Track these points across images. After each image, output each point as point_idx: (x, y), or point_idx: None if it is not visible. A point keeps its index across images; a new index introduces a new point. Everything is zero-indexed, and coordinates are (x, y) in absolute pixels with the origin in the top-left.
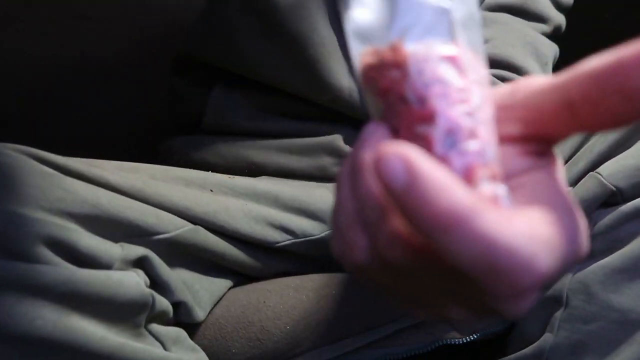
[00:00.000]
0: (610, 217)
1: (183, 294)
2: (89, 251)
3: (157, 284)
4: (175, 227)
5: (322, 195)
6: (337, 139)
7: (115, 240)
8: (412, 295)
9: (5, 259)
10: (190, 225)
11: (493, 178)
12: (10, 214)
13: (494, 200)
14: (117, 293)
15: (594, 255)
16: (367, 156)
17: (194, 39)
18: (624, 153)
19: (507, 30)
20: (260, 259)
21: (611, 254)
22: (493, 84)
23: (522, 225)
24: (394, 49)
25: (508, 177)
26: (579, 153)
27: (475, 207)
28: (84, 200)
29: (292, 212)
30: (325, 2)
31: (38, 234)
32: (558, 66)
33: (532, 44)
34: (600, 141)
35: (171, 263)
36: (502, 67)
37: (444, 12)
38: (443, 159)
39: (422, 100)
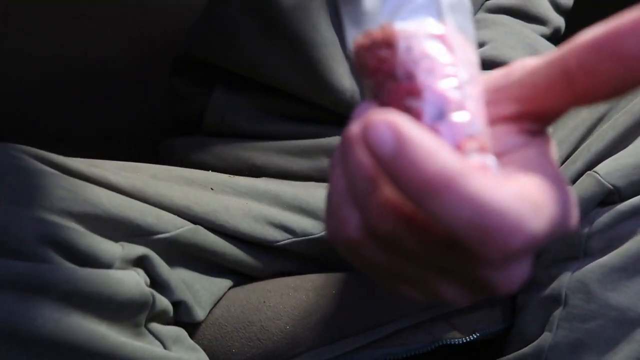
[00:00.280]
0: (608, 215)
1: (183, 294)
2: (89, 250)
3: (157, 283)
4: (175, 227)
5: (322, 195)
6: (337, 141)
7: (116, 239)
8: (403, 272)
9: (6, 257)
10: (190, 225)
11: (482, 150)
12: (11, 214)
13: (483, 168)
14: (118, 292)
15: (592, 254)
16: (356, 129)
17: (194, 39)
18: (621, 152)
19: (507, 32)
20: (260, 258)
21: (609, 252)
22: None
23: (511, 188)
24: (384, 28)
25: (500, 154)
26: (576, 152)
27: (464, 170)
28: (85, 199)
29: (292, 211)
30: (327, 3)
31: (39, 233)
32: None
33: (532, 46)
34: (597, 140)
35: (171, 262)
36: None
37: None
38: (432, 131)
39: (411, 76)
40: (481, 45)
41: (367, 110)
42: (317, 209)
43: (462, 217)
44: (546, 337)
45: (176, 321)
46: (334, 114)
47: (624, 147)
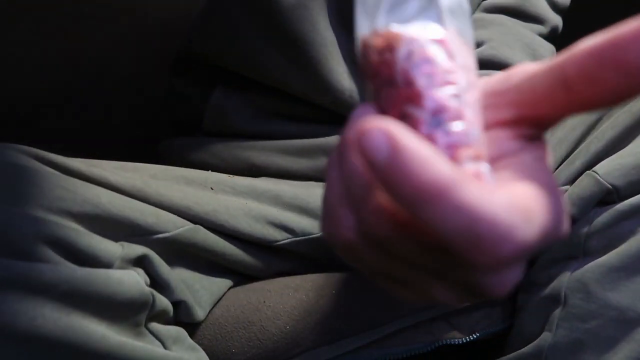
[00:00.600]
0: (606, 215)
1: (183, 293)
2: (89, 250)
3: (157, 283)
4: (175, 227)
5: (322, 194)
6: (336, 141)
7: (116, 239)
8: (397, 275)
9: (6, 257)
10: (190, 225)
11: (476, 158)
12: (10, 213)
13: (477, 176)
14: (117, 292)
15: (592, 253)
16: (352, 133)
17: (194, 39)
18: (620, 151)
19: (505, 31)
20: (260, 258)
21: (608, 252)
22: None
23: (503, 197)
24: (385, 31)
25: (496, 159)
26: (575, 152)
27: (457, 179)
28: (84, 199)
29: (292, 210)
30: (327, 3)
31: (38, 233)
32: None
33: (530, 45)
34: (596, 140)
35: (171, 262)
36: (499, 68)
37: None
38: (428, 138)
39: (410, 81)
40: (479, 45)
41: (365, 113)
42: (317, 208)
43: (454, 225)
44: (546, 337)
45: (176, 321)
46: (333, 114)
47: (623, 147)
